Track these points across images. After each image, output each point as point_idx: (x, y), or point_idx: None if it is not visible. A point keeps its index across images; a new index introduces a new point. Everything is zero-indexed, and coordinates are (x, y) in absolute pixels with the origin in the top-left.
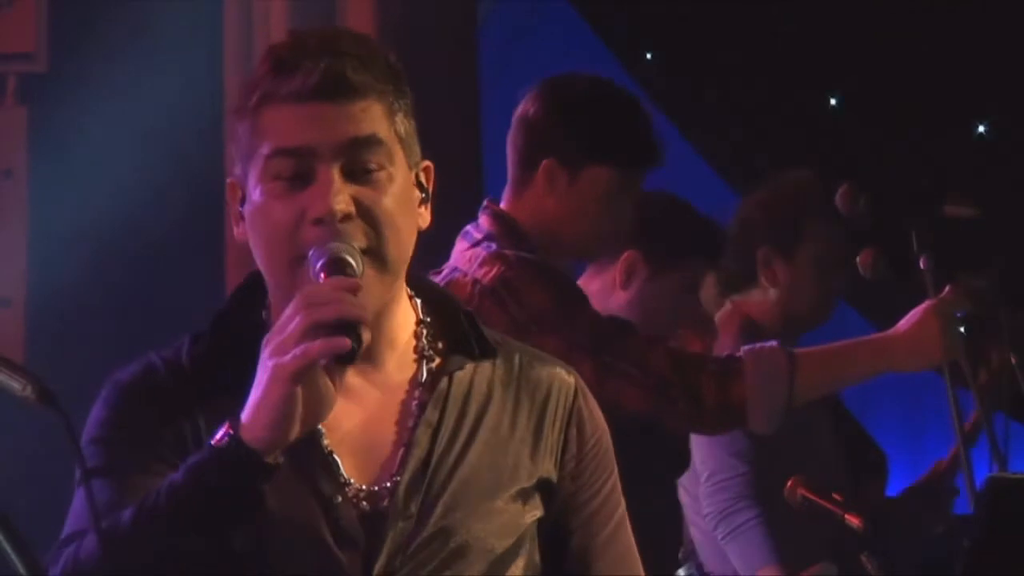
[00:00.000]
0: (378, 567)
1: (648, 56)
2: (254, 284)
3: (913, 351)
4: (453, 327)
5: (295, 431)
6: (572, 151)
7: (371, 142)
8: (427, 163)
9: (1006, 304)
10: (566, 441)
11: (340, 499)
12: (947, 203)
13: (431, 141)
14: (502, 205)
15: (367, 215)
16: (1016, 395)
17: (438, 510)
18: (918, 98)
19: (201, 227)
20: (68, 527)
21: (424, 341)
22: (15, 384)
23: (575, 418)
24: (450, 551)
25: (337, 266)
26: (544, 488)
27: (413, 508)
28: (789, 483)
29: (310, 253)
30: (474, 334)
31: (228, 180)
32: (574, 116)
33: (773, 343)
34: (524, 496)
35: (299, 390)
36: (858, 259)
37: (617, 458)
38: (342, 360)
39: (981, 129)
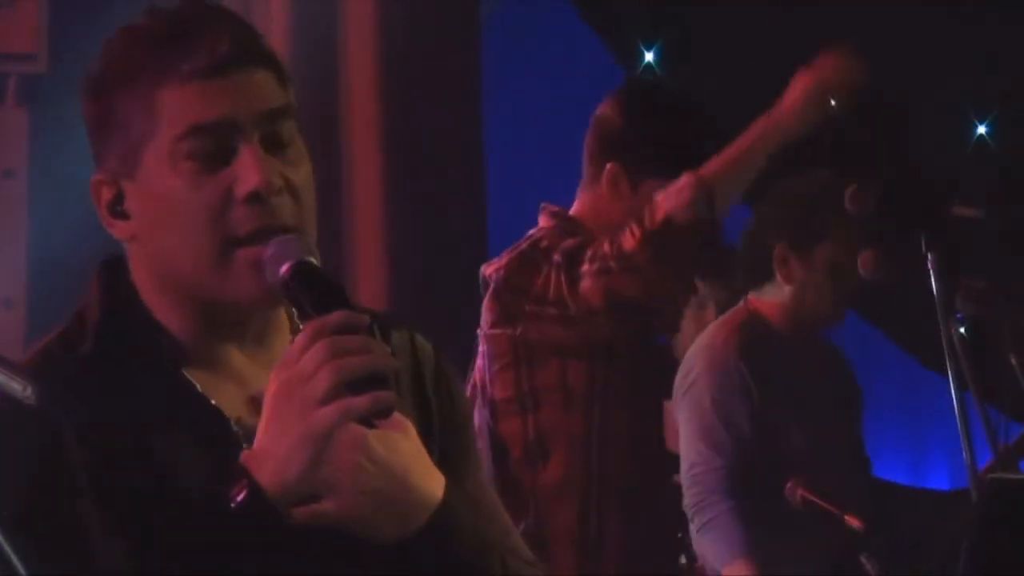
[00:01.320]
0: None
1: (648, 57)
2: (115, 286)
3: (791, 106)
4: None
5: (317, 485)
6: (636, 161)
7: (286, 112)
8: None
9: (1009, 306)
10: (440, 404)
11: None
12: (955, 204)
13: (433, 140)
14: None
15: (292, 190)
16: (1017, 395)
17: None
18: (924, 98)
19: None
20: None
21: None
22: (15, 385)
23: (443, 379)
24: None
25: (313, 279)
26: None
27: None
28: (789, 483)
29: (267, 253)
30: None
31: (92, 178)
32: (646, 126)
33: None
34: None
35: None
36: (860, 259)
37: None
38: (382, 416)
39: (983, 130)
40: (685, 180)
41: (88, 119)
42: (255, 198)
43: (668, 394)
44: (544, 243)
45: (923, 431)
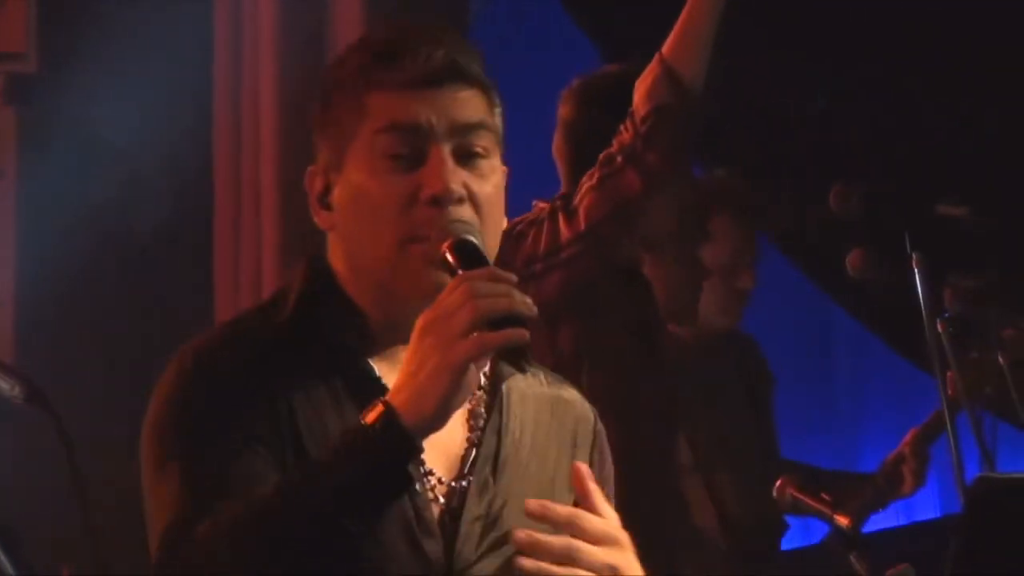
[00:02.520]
0: (456, 559)
1: (638, 55)
2: (323, 266)
3: None
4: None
5: (450, 417)
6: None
7: (481, 127)
8: (506, 168)
9: (996, 304)
10: (590, 464)
11: (420, 489)
12: (940, 203)
13: None
14: None
15: (474, 200)
16: (1004, 395)
17: (503, 515)
18: (908, 97)
19: (190, 227)
20: (170, 518)
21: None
22: (4, 384)
23: (598, 441)
24: (513, 554)
25: (468, 251)
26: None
27: (483, 509)
28: (779, 482)
29: (432, 234)
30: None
31: (308, 168)
32: (601, 117)
33: None
34: None
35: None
36: (847, 259)
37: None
38: (514, 353)
39: (969, 129)
40: (651, 64)
41: (314, 117)
42: (436, 202)
43: (657, 352)
44: (526, 220)
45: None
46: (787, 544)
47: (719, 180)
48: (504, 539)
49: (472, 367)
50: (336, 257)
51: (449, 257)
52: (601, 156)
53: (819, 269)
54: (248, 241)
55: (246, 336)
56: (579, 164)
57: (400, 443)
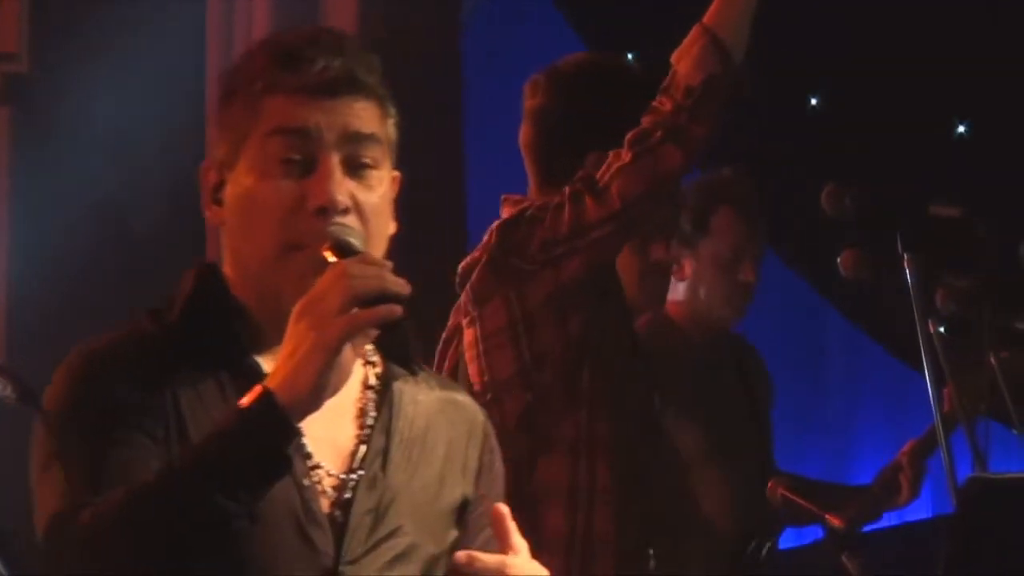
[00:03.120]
0: (345, 551)
1: (628, 56)
2: (213, 272)
3: None
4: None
5: (326, 399)
6: (576, 139)
7: (372, 139)
8: (397, 173)
9: (989, 304)
10: (480, 465)
11: (308, 483)
12: (932, 203)
13: (414, 136)
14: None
15: (360, 211)
16: (997, 397)
17: (392, 510)
18: (901, 97)
19: (183, 226)
20: (55, 506)
21: (366, 346)
22: None
23: (488, 442)
24: (401, 550)
25: (345, 246)
26: (463, 507)
27: (372, 503)
28: (770, 483)
29: (315, 243)
30: (408, 345)
31: (203, 163)
32: (575, 105)
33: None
34: (453, 511)
35: (338, 359)
36: (839, 260)
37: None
38: (390, 329)
39: (962, 128)
40: (691, 35)
41: (216, 113)
42: (322, 212)
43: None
44: (535, 204)
45: (907, 432)
46: (782, 544)
47: (721, 175)
48: (393, 534)
49: (348, 348)
50: (225, 254)
51: (330, 257)
52: (630, 135)
53: (811, 269)
54: None
55: (135, 336)
56: (553, 154)
57: (276, 423)
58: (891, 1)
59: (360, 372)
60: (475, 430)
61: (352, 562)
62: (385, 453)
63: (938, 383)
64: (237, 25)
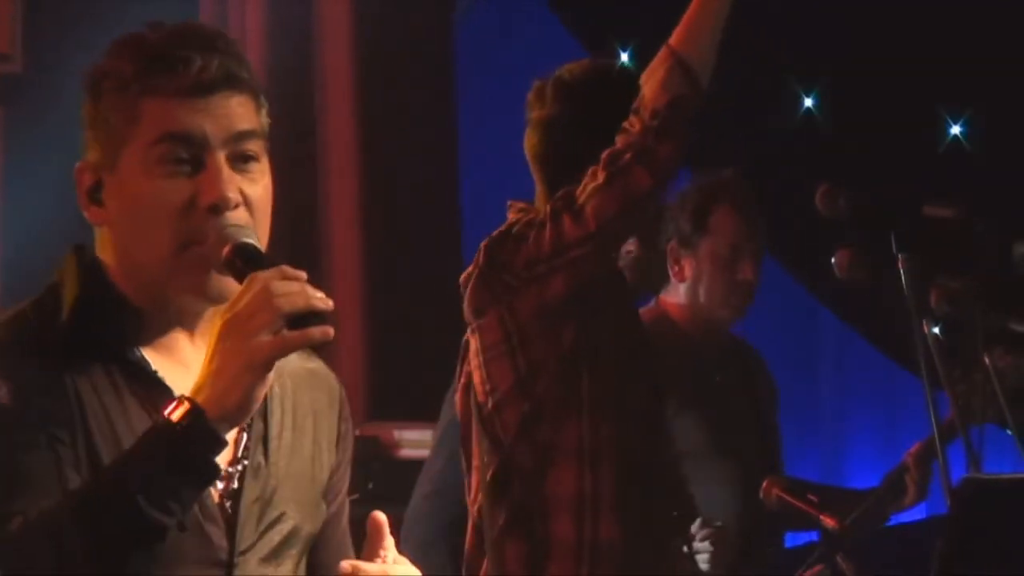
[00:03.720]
0: (238, 541)
1: (624, 57)
2: (91, 265)
3: None
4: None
5: (253, 412)
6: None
7: (252, 134)
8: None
9: (983, 305)
10: (339, 434)
11: None
12: (927, 203)
13: (408, 137)
14: None
15: (248, 204)
16: (991, 397)
17: (276, 496)
18: (896, 98)
19: None
20: None
21: None
22: None
23: (344, 411)
24: (287, 533)
25: (250, 253)
26: (329, 479)
27: (258, 491)
28: (765, 483)
29: (209, 239)
30: None
31: (78, 163)
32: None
33: None
34: (323, 487)
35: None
36: (833, 260)
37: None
38: (319, 348)
39: (957, 129)
40: (659, 56)
41: (84, 112)
42: (214, 209)
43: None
44: (522, 221)
45: (900, 433)
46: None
47: (720, 175)
48: (278, 519)
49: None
50: (106, 251)
51: (234, 260)
52: (604, 155)
53: (805, 271)
54: None
55: (29, 336)
56: (561, 164)
57: (206, 438)
58: (888, 1)
59: None
60: (333, 399)
61: (244, 552)
62: (265, 440)
63: (933, 384)
64: (231, 27)
